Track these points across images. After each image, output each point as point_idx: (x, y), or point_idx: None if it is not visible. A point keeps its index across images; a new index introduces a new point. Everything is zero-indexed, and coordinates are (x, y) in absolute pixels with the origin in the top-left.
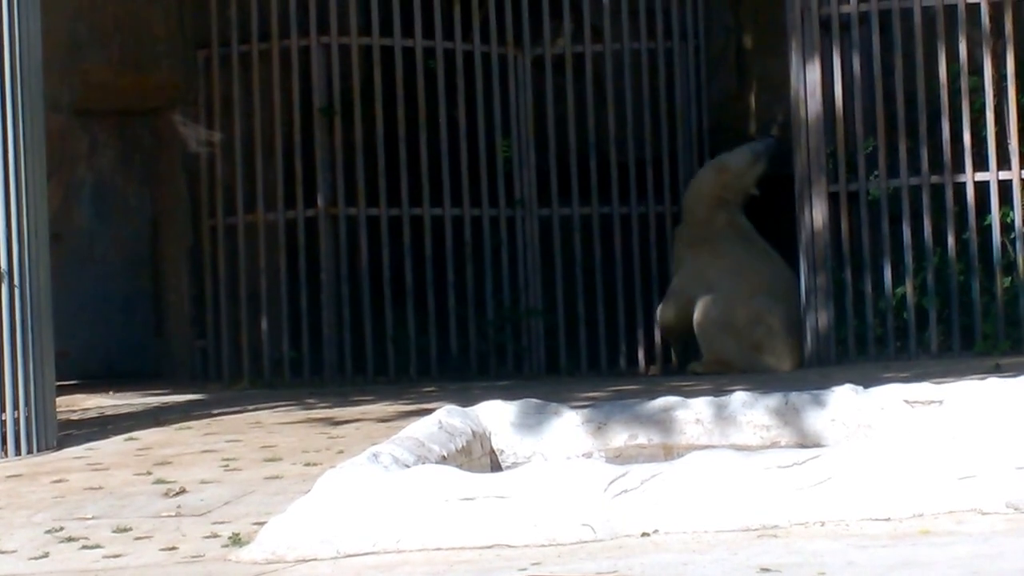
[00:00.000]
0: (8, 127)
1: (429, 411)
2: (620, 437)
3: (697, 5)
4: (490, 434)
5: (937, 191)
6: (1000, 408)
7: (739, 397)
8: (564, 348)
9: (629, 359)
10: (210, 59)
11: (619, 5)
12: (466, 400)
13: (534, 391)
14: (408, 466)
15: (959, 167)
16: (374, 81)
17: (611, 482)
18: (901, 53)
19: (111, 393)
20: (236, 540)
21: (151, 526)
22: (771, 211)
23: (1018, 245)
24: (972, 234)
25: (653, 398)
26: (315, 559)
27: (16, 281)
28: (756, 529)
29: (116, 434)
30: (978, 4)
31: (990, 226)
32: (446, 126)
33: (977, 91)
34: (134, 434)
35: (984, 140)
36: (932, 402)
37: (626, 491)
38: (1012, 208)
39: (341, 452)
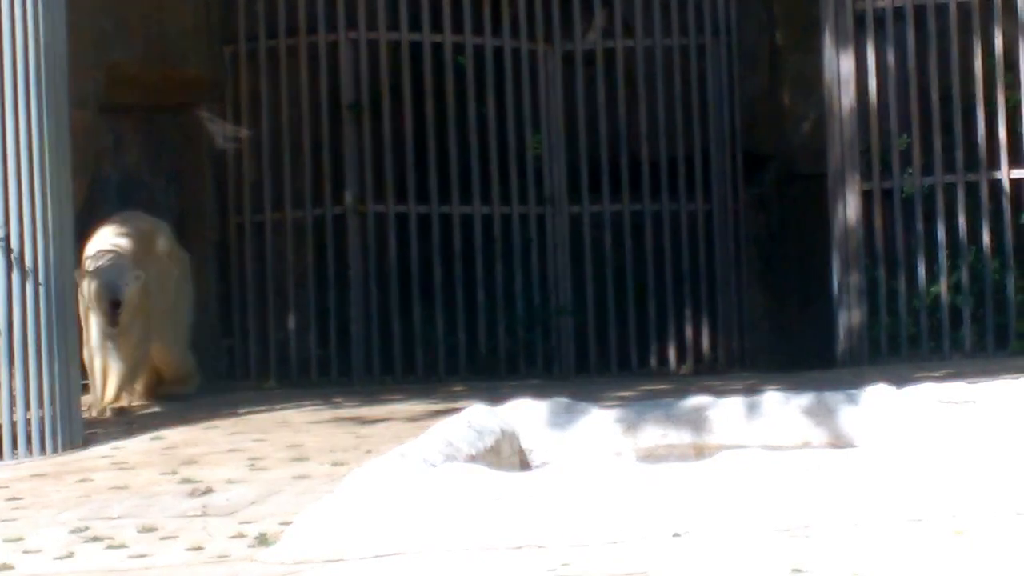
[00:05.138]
0: (32, 123)
1: (458, 410)
2: (651, 437)
3: (730, 0)
4: (519, 433)
5: (972, 188)
6: None
7: (771, 397)
8: (594, 347)
9: (660, 358)
10: (237, 54)
11: (651, 0)
12: (495, 399)
13: (564, 390)
14: (436, 465)
15: (995, 164)
16: (403, 77)
17: (641, 482)
18: (936, 48)
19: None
20: (263, 540)
21: (177, 526)
22: (803, 209)
23: None
24: (1008, 232)
25: (684, 397)
26: (342, 559)
27: (41, 279)
28: (787, 530)
29: (142, 433)
30: None
31: None
32: (475, 122)
33: (1013, 87)
34: (160, 433)
35: (1020, 136)
36: (966, 402)
37: (656, 491)
38: None
39: (369, 451)
